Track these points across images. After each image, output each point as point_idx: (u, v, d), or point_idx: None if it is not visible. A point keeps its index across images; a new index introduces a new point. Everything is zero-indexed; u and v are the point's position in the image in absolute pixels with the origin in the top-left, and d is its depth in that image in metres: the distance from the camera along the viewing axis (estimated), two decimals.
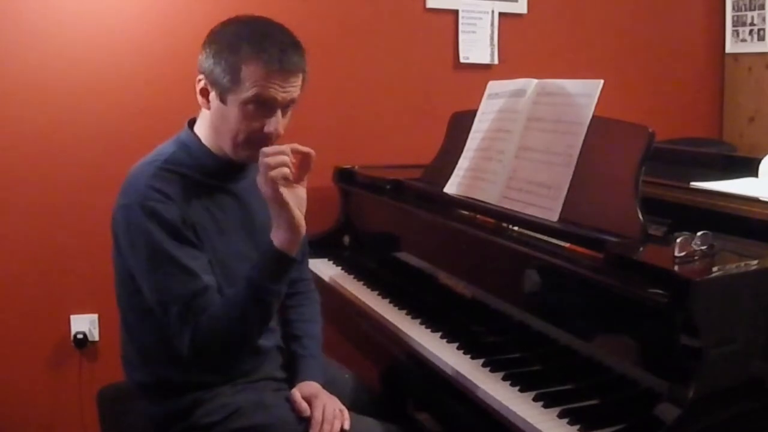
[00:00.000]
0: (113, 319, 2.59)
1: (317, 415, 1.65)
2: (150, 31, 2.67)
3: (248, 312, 1.58)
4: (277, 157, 1.53)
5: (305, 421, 1.65)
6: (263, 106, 1.59)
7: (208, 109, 1.64)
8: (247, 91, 1.56)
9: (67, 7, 2.58)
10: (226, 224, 1.69)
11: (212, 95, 1.62)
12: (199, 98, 1.65)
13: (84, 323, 2.68)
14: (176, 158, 1.65)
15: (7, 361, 2.61)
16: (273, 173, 1.52)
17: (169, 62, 2.67)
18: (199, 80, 1.63)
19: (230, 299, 1.59)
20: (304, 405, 1.67)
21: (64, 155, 2.61)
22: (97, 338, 2.70)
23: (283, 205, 1.55)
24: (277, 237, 1.57)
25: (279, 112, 1.61)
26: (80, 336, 2.67)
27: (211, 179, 1.67)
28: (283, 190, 1.54)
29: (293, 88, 1.61)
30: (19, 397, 2.63)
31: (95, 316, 2.69)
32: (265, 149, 1.55)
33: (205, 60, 1.61)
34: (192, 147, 1.67)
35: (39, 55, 2.56)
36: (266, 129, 1.60)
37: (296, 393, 1.71)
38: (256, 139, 1.60)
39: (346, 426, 1.66)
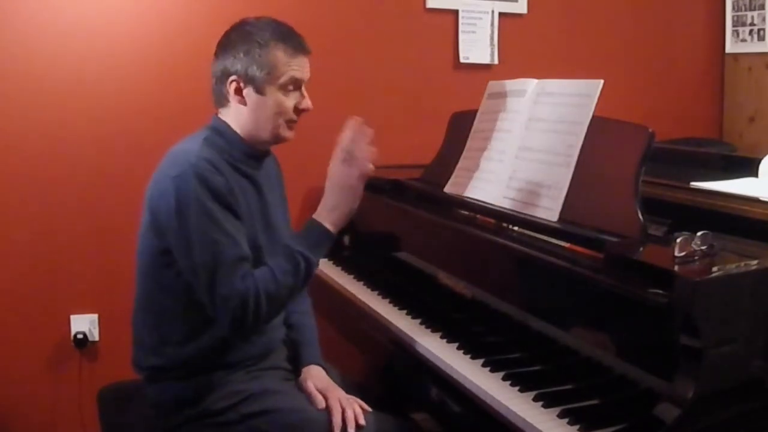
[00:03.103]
0: (113, 319, 2.63)
1: (336, 404, 1.72)
2: (151, 32, 2.66)
3: (297, 281, 1.69)
4: (367, 152, 1.73)
5: (313, 406, 1.73)
6: (296, 86, 1.78)
7: (245, 105, 1.76)
8: (284, 77, 1.75)
9: (67, 7, 2.58)
10: (248, 208, 1.77)
11: (247, 91, 1.75)
12: (234, 98, 1.77)
13: (84, 323, 2.68)
14: (213, 140, 1.76)
15: (7, 361, 2.61)
16: (369, 168, 1.73)
17: (170, 63, 2.67)
18: (231, 82, 1.76)
19: (278, 268, 1.67)
20: (320, 397, 1.74)
21: (64, 155, 2.61)
22: (97, 338, 2.70)
23: (358, 195, 1.74)
24: (330, 218, 1.73)
25: (304, 89, 1.80)
26: (80, 336, 2.67)
27: (240, 164, 1.78)
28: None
29: (308, 67, 1.81)
30: (19, 397, 2.63)
31: (95, 316, 2.69)
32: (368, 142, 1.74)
33: (234, 62, 1.75)
34: (225, 132, 1.78)
35: (38, 55, 2.56)
36: (303, 105, 1.80)
37: (310, 384, 1.78)
38: (294, 117, 1.80)
39: (366, 407, 1.74)
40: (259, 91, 1.75)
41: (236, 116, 1.78)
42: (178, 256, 1.67)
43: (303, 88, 1.80)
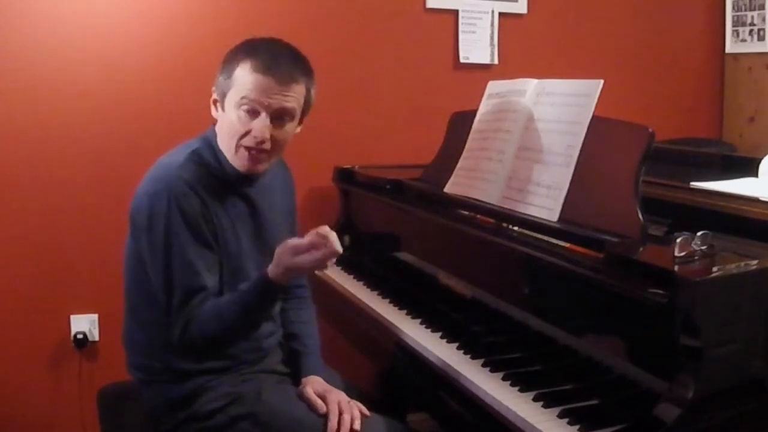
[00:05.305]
0: (113, 319, 2.62)
1: (334, 408, 1.69)
2: (152, 33, 2.66)
3: (237, 326, 1.68)
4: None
5: (306, 408, 1.71)
6: (253, 111, 1.66)
7: (218, 120, 1.74)
8: (237, 95, 1.65)
9: (67, 8, 2.58)
10: (237, 222, 1.75)
11: (219, 106, 1.72)
12: (212, 110, 1.75)
13: (84, 323, 2.68)
14: (201, 153, 1.73)
15: (7, 361, 2.61)
16: (328, 263, 1.63)
17: (170, 64, 2.67)
18: (213, 92, 1.74)
19: (222, 310, 1.66)
20: (320, 402, 1.71)
21: (64, 156, 2.61)
22: (97, 338, 2.70)
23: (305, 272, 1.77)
24: (277, 275, 1.62)
25: (267, 118, 1.66)
26: (80, 336, 2.67)
27: (228, 178, 1.74)
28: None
29: (283, 97, 1.66)
30: (19, 397, 2.63)
31: (95, 316, 2.69)
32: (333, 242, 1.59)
33: (217, 75, 1.73)
34: (215, 145, 1.75)
35: (39, 55, 2.56)
36: (253, 133, 1.66)
37: (309, 390, 1.75)
38: (248, 146, 1.67)
39: (366, 412, 1.72)
40: (222, 105, 1.70)
41: (217, 131, 1.76)
42: (148, 269, 1.69)
43: (269, 117, 1.65)
